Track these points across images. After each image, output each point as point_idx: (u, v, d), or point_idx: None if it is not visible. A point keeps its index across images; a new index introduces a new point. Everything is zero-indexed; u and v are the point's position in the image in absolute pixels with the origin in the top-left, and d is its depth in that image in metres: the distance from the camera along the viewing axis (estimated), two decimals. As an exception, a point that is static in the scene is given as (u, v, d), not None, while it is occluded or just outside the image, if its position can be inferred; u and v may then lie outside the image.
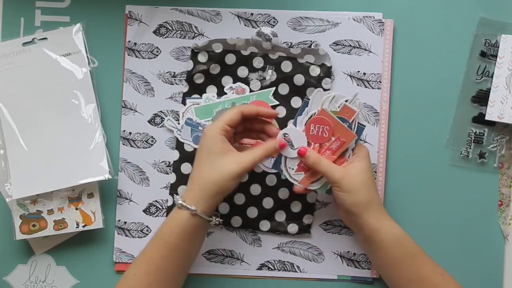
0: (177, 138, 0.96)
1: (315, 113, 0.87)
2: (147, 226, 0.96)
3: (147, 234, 0.96)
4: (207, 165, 0.83)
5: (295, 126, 0.88)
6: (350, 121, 0.87)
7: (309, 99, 0.87)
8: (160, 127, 0.96)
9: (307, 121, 0.87)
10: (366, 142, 0.95)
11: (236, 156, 0.84)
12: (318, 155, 0.86)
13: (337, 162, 0.87)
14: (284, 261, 0.95)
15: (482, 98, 0.94)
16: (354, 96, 0.87)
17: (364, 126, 0.87)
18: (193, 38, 0.97)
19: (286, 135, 0.88)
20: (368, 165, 0.86)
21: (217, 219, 0.85)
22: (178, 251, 0.83)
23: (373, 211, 0.85)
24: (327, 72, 0.95)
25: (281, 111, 0.95)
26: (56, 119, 0.94)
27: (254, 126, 0.90)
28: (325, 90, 0.94)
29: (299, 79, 0.95)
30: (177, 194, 0.95)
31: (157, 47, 0.97)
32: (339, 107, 0.87)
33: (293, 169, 0.88)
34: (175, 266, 0.84)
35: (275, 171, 0.94)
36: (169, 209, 0.95)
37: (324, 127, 0.87)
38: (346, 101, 0.87)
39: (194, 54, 0.96)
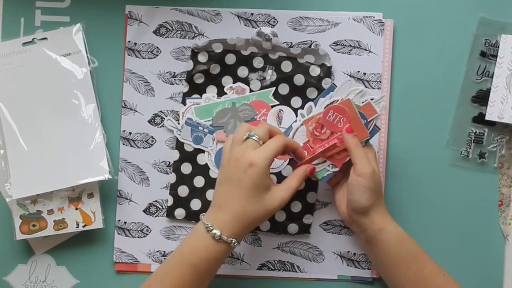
0: (177, 138, 0.96)
1: (337, 100, 0.87)
2: (147, 226, 0.96)
3: (147, 234, 0.96)
4: (254, 202, 0.82)
5: (315, 106, 0.89)
6: (368, 120, 0.87)
7: (336, 85, 0.87)
8: (160, 127, 0.96)
9: (328, 104, 0.87)
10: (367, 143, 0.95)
11: (277, 190, 0.83)
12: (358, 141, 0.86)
13: (342, 154, 0.87)
14: (284, 261, 0.95)
15: (482, 98, 0.94)
16: (380, 97, 0.87)
17: (379, 129, 0.88)
18: (193, 38, 0.97)
19: (282, 111, 0.91)
20: (378, 166, 0.86)
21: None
22: (209, 277, 0.84)
23: (380, 211, 0.85)
24: (327, 72, 0.95)
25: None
26: (56, 119, 0.94)
27: None
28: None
29: (299, 79, 0.95)
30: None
31: (157, 47, 0.97)
32: (363, 102, 0.87)
33: None
34: (203, 287, 0.85)
35: (275, 171, 0.94)
36: (169, 209, 0.95)
37: (342, 117, 0.87)
38: (372, 99, 0.87)
39: (194, 54, 0.96)
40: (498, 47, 0.93)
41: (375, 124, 0.87)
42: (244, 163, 0.81)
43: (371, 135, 0.87)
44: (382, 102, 0.87)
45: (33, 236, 0.93)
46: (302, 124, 0.89)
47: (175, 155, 0.96)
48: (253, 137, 0.83)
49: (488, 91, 0.93)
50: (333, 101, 0.88)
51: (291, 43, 0.96)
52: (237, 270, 0.95)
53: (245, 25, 0.96)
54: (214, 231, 0.81)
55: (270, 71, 0.96)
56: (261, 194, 0.82)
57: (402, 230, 0.86)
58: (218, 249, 0.81)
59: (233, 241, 0.81)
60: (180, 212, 0.95)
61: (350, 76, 0.95)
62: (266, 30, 0.95)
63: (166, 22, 0.97)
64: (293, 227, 0.95)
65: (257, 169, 0.81)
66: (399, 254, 0.85)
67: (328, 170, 0.88)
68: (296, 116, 0.93)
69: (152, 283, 0.83)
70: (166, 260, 0.85)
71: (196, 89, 0.96)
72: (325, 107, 0.88)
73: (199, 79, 0.96)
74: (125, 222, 0.96)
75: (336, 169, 0.88)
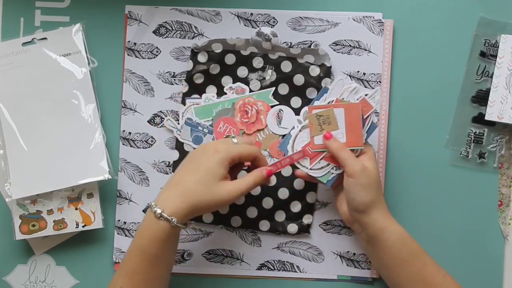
0: (177, 138, 0.96)
1: (332, 101, 0.87)
2: (147, 226, 0.96)
3: (147, 234, 0.96)
4: (204, 186, 0.82)
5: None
6: (365, 117, 0.87)
7: (329, 88, 0.87)
8: (160, 127, 0.96)
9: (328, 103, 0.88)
10: (365, 142, 0.95)
11: (230, 185, 0.83)
12: (341, 142, 0.87)
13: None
14: (284, 261, 0.95)
15: (482, 98, 0.94)
16: (374, 92, 0.87)
17: (377, 126, 0.88)
18: (193, 38, 0.97)
19: (281, 111, 0.92)
20: (376, 165, 0.86)
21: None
22: (160, 260, 0.82)
23: (381, 210, 0.85)
24: (327, 72, 0.95)
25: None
26: (56, 119, 0.94)
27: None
28: (325, 90, 0.95)
29: (299, 79, 0.95)
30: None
31: (157, 47, 0.97)
32: (358, 99, 0.87)
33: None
34: (159, 274, 0.83)
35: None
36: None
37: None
38: (366, 95, 0.87)
39: (194, 54, 0.96)
40: (498, 47, 0.93)
41: (372, 121, 0.87)
42: (210, 149, 0.84)
43: (368, 132, 0.87)
44: (377, 96, 0.87)
45: (32, 236, 0.93)
46: (300, 130, 0.89)
47: (175, 155, 0.96)
48: (233, 138, 0.86)
49: (488, 91, 0.93)
50: (328, 102, 0.87)
51: (290, 43, 0.96)
52: (237, 270, 0.95)
53: (244, 25, 0.96)
54: (155, 208, 0.81)
55: (269, 71, 0.96)
56: (213, 181, 0.82)
57: (403, 229, 0.86)
58: (160, 228, 0.81)
59: (173, 219, 0.80)
60: (180, 212, 0.95)
61: (350, 76, 0.95)
62: (266, 30, 0.95)
63: (166, 22, 0.97)
64: (293, 227, 0.95)
65: (218, 156, 0.83)
66: (401, 253, 0.85)
67: (333, 173, 0.88)
68: (295, 114, 0.93)
69: (115, 274, 0.84)
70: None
71: (196, 89, 0.96)
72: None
73: (198, 79, 0.96)
74: (125, 222, 0.96)
75: (340, 171, 0.88)
